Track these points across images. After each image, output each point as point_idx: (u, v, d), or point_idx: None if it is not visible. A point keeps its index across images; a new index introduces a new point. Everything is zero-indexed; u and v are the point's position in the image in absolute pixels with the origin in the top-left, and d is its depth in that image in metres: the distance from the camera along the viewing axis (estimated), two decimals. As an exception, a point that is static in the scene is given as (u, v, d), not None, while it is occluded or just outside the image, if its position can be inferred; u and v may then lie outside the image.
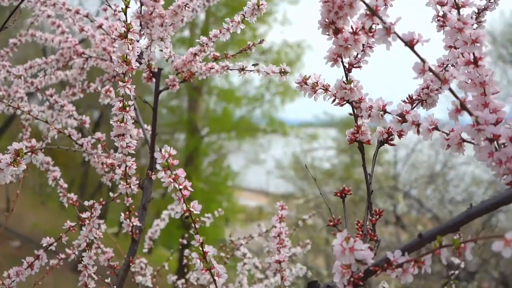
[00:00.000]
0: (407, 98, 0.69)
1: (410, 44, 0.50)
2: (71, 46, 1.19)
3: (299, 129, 10.95)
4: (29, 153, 0.67)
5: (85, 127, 1.07)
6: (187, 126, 11.04)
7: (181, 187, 0.61)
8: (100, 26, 1.02)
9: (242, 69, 0.93)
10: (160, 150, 0.60)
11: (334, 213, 0.69)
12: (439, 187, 6.49)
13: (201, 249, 0.64)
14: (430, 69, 0.50)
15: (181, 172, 0.62)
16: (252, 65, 0.93)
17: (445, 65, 0.67)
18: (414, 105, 0.68)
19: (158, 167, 0.61)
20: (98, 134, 1.05)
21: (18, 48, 1.32)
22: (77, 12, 1.09)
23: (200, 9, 1.03)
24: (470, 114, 0.51)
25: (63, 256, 1.07)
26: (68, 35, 1.20)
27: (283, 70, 0.85)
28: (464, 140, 0.54)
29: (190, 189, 0.62)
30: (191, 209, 0.63)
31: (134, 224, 0.97)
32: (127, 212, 0.96)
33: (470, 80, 0.55)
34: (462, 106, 0.51)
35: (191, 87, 10.93)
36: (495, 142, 0.51)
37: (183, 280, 1.36)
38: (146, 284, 1.22)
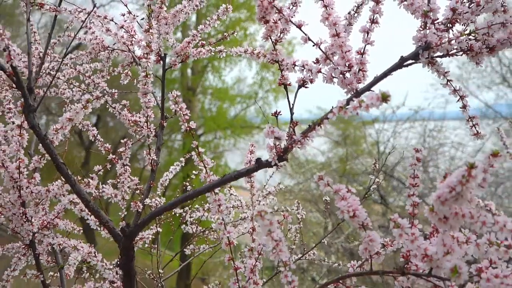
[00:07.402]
0: (315, 59, 1.17)
1: (298, 26, 0.98)
2: (99, 42, 1.66)
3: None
4: (94, 100, 1.14)
5: (114, 97, 1.54)
6: (183, 126, 11.48)
7: (184, 113, 1.09)
8: (122, 27, 1.49)
9: (220, 51, 1.41)
10: (170, 92, 1.08)
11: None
12: (422, 168, 6.99)
13: (197, 150, 1.12)
14: (309, 39, 0.98)
15: (184, 105, 1.10)
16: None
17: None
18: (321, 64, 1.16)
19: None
20: (124, 101, 1.53)
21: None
22: (105, 17, 1.56)
23: (191, 12, 1.50)
24: (331, 60, 0.99)
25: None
26: (97, 34, 1.67)
27: (246, 50, 1.32)
28: (333, 77, 1.02)
29: (188, 114, 1.10)
30: (190, 125, 1.10)
31: (153, 158, 1.44)
32: (147, 150, 1.44)
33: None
34: (327, 57, 0.99)
35: (186, 88, 11.41)
36: (345, 74, 0.99)
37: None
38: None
